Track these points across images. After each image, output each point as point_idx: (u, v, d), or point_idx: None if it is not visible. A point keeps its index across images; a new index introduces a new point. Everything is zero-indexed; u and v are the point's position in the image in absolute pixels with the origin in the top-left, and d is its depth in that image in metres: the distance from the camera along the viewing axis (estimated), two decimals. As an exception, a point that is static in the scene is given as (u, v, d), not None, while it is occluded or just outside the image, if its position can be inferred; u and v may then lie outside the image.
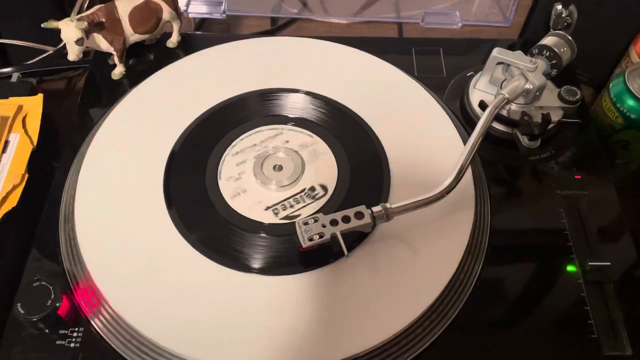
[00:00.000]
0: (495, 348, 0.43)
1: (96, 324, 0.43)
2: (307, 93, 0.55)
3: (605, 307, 0.44)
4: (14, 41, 0.63)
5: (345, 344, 0.41)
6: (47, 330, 0.42)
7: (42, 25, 0.51)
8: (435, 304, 0.43)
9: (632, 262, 0.47)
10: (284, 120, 0.53)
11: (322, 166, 0.50)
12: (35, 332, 0.42)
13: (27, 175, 0.50)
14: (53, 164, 0.54)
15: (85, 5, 0.64)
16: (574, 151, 0.53)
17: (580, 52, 0.54)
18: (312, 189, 0.48)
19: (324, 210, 0.47)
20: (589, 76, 0.66)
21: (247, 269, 0.44)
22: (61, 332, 0.42)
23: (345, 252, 0.42)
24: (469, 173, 0.48)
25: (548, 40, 0.53)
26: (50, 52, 0.64)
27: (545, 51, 0.52)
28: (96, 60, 0.60)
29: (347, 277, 0.44)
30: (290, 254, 0.45)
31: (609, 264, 0.46)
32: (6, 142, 0.52)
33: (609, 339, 0.43)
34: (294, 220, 0.44)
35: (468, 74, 0.58)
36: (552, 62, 0.52)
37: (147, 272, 0.44)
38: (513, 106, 0.51)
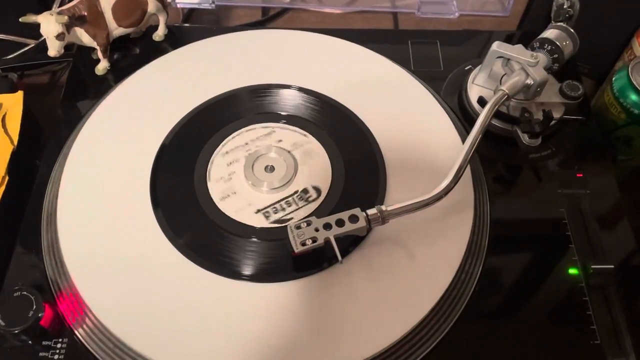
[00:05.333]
0: (495, 355, 0.42)
1: (80, 334, 0.41)
2: (300, 89, 0.53)
3: (609, 312, 0.43)
4: (-7, 34, 0.60)
5: (340, 354, 0.39)
6: (29, 342, 0.41)
7: (20, 20, 0.49)
8: (433, 311, 0.41)
9: (636, 264, 0.45)
10: (275, 117, 0.51)
11: (315, 167, 0.48)
12: (17, 343, 0.41)
13: (7, 178, 0.48)
14: (36, 162, 0.52)
15: (67, -3, 0.62)
16: (575, 148, 0.52)
17: (580, 43, 0.52)
18: (305, 191, 0.47)
19: (317, 213, 0.46)
20: (589, 68, 0.64)
21: (237, 275, 0.42)
22: (44, 343, 0.41)
23: (340, 258, 0.41)
24: (467, 172, 0.47)
25: (549, 33, 0.51)
26: (32, 45, 0.61)
27: (546, 45, 0.50)
28: (80, 53, 0.57)
29: (342, 283, 0.42)
30: (282, 259, 0.43)
31: (612, 266, 0.45)
32: (-16, 143, 0.50)
33: (613, 345, 0.42)
34: (285, 224, 0.42)
35: (466, 68, 0.56)
36: (554, 56, 0.50)
37: (133, 279, 0.42)
38: (512, 102, 0.50)
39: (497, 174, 0.50)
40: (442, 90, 0.55)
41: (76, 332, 0.41)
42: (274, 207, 0.46)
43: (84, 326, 0.41)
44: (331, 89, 0.53)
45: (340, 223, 0.42)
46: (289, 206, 0.46)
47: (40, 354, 0.40)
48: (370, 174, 0.48)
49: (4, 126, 0.51)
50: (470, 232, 0.45)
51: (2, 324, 0.39)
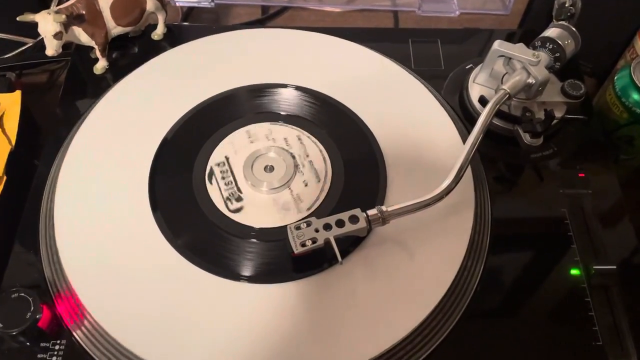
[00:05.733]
0: (497, 355, 0.41)
1: (78, 335, 0.41)
2: (299, 88, 0.52)
3: (611, 313, 0.43)
4: (-9, 33, 0.60)
5: (342, 355, 0.39)
6: (27, 344, 0.40)
7: (17, 19, 0.48)
8: (434, 312, 0.41)
9: (638, 264, 0.45)
10: (274, 117, 0.51)
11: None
12: (15, 345, 0.40)
13: (5, 178, 0.48)
14: (34, 162, 0.52)
15: (66, -4, 0.62)
16: (577, 148, 0.51)
17: (582, 41, 0.52)
18: (239, 198, 0.46)
19: (317, 213, 0.45)
20: (591, 67, 0.64)
21: (236, 277, 0.42)
22: (42, 344, 0.41)
23: (340, 259, 0.40)
24: (468, 172, 0.46)
25: (551, 32, 0.51)
26: (30, 44, 0.61)
27: (548, 43, 0.50)
28: (78, 52, 0.57)
29: (342, 284, 0.42)
30: (281, 260, 0.43)
31: (614, 267, 0.44)
32: (-18, 143, 0.49)
33: (615, 347, 0.41)
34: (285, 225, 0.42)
35: (467, 67, 0.55)
36: (556, 55, 0.50)
37: (131, 280, 0.42)
38: (514, 101, 0.49)
39: (498, 174, 0.50)
40: (442, 89, 0.55)
41: (74, 333, 0.41)
42: (225, 171, 0.47)
43: (82, 328, 0.41)
44: (331, 88, 0.52)
45: (340, 224, 0.41)
46: (226, 185, 0.47)
47: (38, 355, 0.40)
48: (370, 174, 0.47)
49: (1, 126, 0.50)
50: (471, 232, 0.44)
51: (0, 325, 0.39)
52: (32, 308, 0.40)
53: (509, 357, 0.41)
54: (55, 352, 0.40)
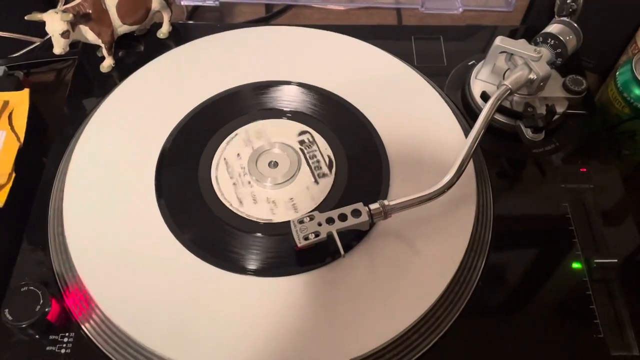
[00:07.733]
0: (498, 349, 0.42)
1: (87, 328, 0.42)
2: (303, 85, 0.53)
3: (612, 306, 0.43)
4: (-1, 33, 0.61)
5: (343, 347, 0.40)
6: (37, 336, 0.41)
7: (25, 18, 0.49)
8: (436, 305, 0.41)
9: (639, 258, 0.45)
10: (279, 113, 0.52)
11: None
12: (25, 338, 0.41)
13: (14, 174, 0.48)
14: (42, 159, 0.53)
15: (72, -5, 0.62)
16: (579, 143, 0.51)
17: (584, 37, 0.52)
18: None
19: (320, 208, 0.46)
20: (593, 62, 0.64)
21: (241, 270, 0.43)
22: (51, 337, 0.41)
23: (342, 252, 0.41)
24: (470, 167, 0.47)
25: (553, 28, 0.51)
26: (38, 43, 0.62)
27: (549, 39, 0.50)
28: (85, 51, 0.58)
29: (344, 277, 0.43)
30: (286, 254, 0.43)
31: (615, 260, 0.45)
32: (-8, 140, 0.50)
33: (616, 339, 0.42)
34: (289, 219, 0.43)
35: (469, 63, 0.56)
36: (557, 50, 0.50)
37: (138, 274, 0.43)
38: (516, 97, 0.50)
39: (500, 169, 0.50)
40: (445, 85, 0.55)
41: (83, 326, 0.42)
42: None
43: (91, 320, 0.41)
44: (335, 85, 0.53)
45: (342, 217, 0.42)
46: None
47: (47, 348, 0.41)
48: (373, 169, 0.48)
49: (10, 124, 0.51)
50: (473, 227, 0.45)
51: (10, 318, 0.40)
52: (41, 301, 0.41)
53: (510, 351, 0.42)
54: (64, 345, 0.41)
